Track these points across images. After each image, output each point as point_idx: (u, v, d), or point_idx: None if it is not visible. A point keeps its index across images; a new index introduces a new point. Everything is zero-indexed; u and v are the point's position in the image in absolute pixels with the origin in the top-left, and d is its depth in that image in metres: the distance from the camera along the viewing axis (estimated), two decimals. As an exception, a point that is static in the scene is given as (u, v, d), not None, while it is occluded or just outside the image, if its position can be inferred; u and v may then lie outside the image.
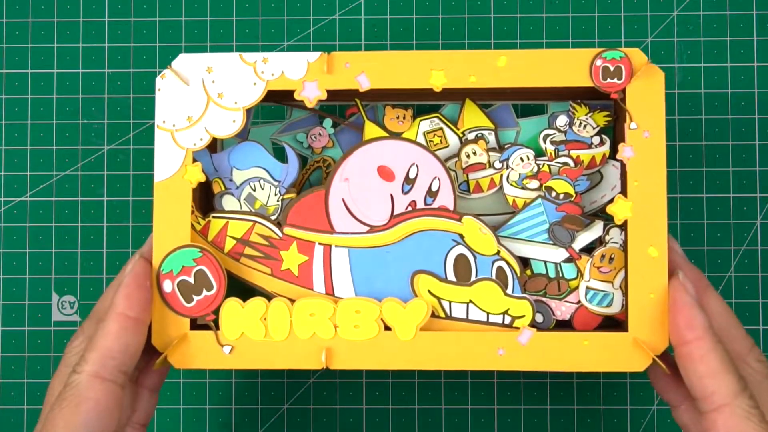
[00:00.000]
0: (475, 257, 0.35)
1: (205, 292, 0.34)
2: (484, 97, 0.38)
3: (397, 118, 0.37)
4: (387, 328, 0.35)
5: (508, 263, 0.35)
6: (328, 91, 0.35)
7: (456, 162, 0.37)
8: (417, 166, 0.35)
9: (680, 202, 0.43)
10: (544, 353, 0.34)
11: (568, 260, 0.36)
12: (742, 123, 0.44)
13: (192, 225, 0.35)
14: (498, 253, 0.35)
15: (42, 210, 0.44)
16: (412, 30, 0.44)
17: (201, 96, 0.35)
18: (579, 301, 0.36)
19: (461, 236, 0.35)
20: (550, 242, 0.36)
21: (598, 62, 0.34)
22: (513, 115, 0.39)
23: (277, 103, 0.39)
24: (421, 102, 0.39)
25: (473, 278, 0.35)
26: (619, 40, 0.44)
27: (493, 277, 0.35)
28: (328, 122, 0.39)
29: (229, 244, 0.36)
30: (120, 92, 0.45)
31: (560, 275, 0.36)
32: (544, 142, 0.37)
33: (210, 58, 0.35)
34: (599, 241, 0.36)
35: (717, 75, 0.44)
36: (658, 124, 0.34)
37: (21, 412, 0.43)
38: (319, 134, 0.39)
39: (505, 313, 0.35)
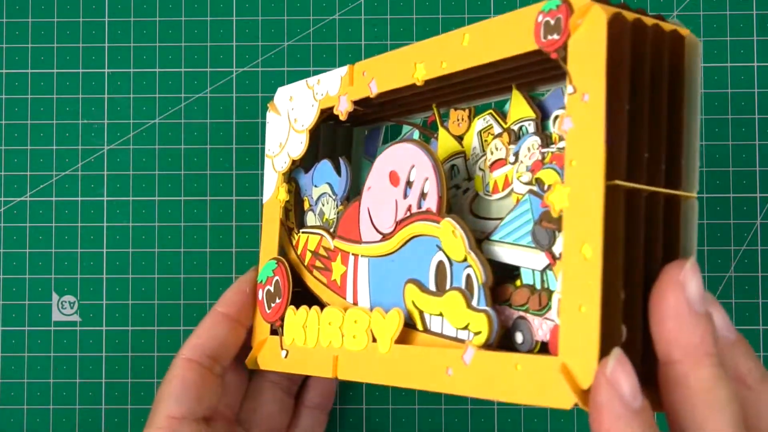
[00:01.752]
0: (451, 264, 0.31)
1: (277, 300, 0.37)
2: (490, 88, 0.34)
3: (457, 120, 0.35)
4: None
5: (474, 271, 0.30)
6: (360, 101, 0.36)
7: (484, 160, 0.34)
8: (415, 167, 0.33)
9: (680, 202, 0.43)
10: (482, 376, 0.28)
11: (550, 267, 0.29)
12: (742, 123, 0.44)
13: (290, 240, 0.39)
14: (465, 259, 0.30)
15: (42, 210, 0.44)
16: (412, 30, 0.44)
17: (285, 123, 0.39)
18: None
19: (441, 241, 0.31)
20: (534, 246, 0.30)
21: (540, 17, 0.28)
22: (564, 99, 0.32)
23: (389, 121, 0.40)
24: (484, 100, 0.36)
25: (448, 287, 0.31)
26: (619, 40, 0.44)
27: (463, 286, 0.30)
28: (416, 134, 0.38)
29: (308, 257, 0.38)
30: (120, 92, 0.45)
31: (544, 285, 0.30)
32: (554, 125, 0.31)
33: (291, 88, 0.39)
34: None
35: (717, 75, 0.44)
36: (597, 84, 0.25)
37: (21, 412, 0.43)
38: None
39: (466, 327, 0.30)
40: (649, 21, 0.27)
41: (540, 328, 0.29)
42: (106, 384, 0.43)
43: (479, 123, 0.34)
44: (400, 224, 0.33)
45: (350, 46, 0.44)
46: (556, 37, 0.27)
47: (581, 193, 0.26)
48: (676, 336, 0.24)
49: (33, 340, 0.44)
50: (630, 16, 0.26)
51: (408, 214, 0.33)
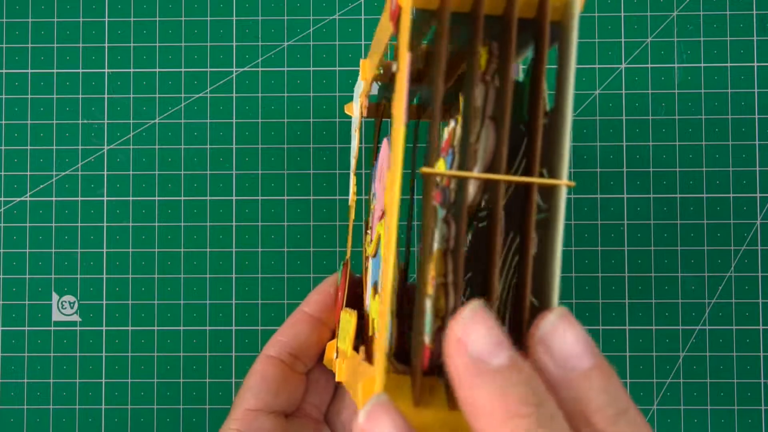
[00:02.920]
0: None
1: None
2: None
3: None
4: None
5: None
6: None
7: None
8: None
9: (680, 202, 0.43)
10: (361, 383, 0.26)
11: None
12: (742, 123, 0.44)
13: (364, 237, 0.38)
14: None
15: (42, 210, 0.44)
16: (412, 30, 0.44)
17: (355, 122, 0.38)
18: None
19: None
20: None
21: None
22: None
23: None
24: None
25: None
26: (619, 40, 0.44)
27: None
28: None
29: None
30: (120, 92, 0.45)
31: None
32: None
33: (356, 88, 0.37)
34: None
35: (717, 75, 0.44)
36: (402, 57, 0.22)
37: (21, 412, 0.43)
38: None
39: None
40: None
41: None
42: (106, 384, 0.43)
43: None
44: (379, 222, 0.32)
45: (350, 46, 0.44)
46: (393, 7, 0.24)
47: (389, 185, 0.22)
48: (471, 405, 0.19)
49: (33, 340, 0.44)
50: None
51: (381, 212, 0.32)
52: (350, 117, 0.42)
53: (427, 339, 0.22)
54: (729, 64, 0.44)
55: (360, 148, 0.39)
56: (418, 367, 0.22)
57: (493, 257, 0.22)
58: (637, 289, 0.43)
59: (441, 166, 0.25)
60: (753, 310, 0.43)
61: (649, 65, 0.44)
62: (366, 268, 0.35)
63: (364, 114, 0.36)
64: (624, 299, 0.43)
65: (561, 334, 0.20)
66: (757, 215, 0.43)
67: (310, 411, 0.39)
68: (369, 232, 0.35)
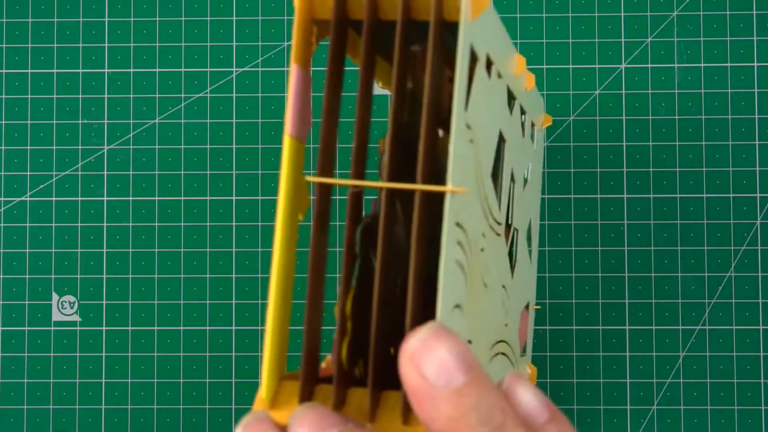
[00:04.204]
0: None
1: None
2: None
3: None
4: None
5: None
6: None
7: None
8: None
9: (680, 202, 0.43)
10: None
11: None
12: (742, 123, 0.44)
13: None
14: None
15: (42, 210, 0.44)
16: (412, 30, 0.44)
17: None
18: None
19: None
20: None
21: None
22: None
23: None
24: None
25: None
26: (619, 40, 0.44)
27: None
28: None
29: None
30: (120, 92, 0.45)
31: None
32: None
33: None
34: None
35: (717, 75, 0.44)
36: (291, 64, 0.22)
37: (21, 412, 0.43)
38: None
39: None
40: None
41: None
42: (106, 384, 0.43)
43: None
44: None
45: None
46: None
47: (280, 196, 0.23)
48: (429, 425, 0.19)
49: (33, 340, 0.44)
50: None
51: None
52: (350, 117, 0.42)
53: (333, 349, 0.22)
54: (729, 64, 0.44)
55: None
56: (306, 376, 0.22)
57: (378, 264, 0.22)
58: (637, 289, 0.43)
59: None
60: (753, 310, 0.43)
61: (649, 65, 0.44)
62: None
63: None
64: (624, 299, 0.43)
65: (431, 350, 0.19)
66: (757, 215, 0.43)
67: None
68: None
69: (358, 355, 0.23)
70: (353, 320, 0.23)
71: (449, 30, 0.22)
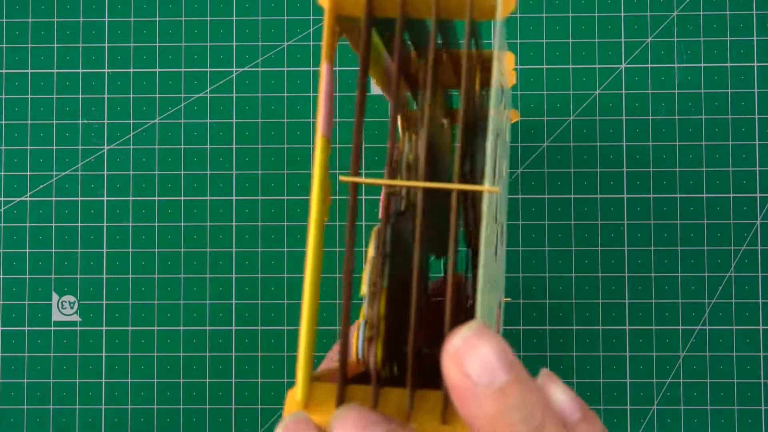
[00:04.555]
0: None
1: None
2: None
3: None
4: None
5: None
6: None
7: None
8: None
9: (680, 202, 0.43)
10: None
11: None
12: (742, 123, 0.44)
13: None
14: None
15: (42, 210, 0.44)
16: (412, 30, 0.44)
17: None
18: None
19: None
20: None
21: None
22: None
23: None
24: None
25: None
26: (619, 40, 0.44)
27: None
28: None
29: None
30: (120, 92, 0.45)
31: None
32: None
33: None
34: None
35: (717, 75, 0.44)
36: (322, 68, 0.22)
37: (21, 412, 0.43)
38: None
39: None
40: None
41: None
42: (106, 384, 0.43)
43: None
44: None
45: (350, 46, 0.44)
46: None
47: (313, 197, 0.22)
48: (472, 423, 0.20)
49: (33, 340, 0.44)
50: None
51: None
52: (351, 118, 0.42)
53: (360, 348, 0.22)
54: (729, 64, 0.44)
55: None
56: (343, 376, 0.21)
57: (415, 264, 0.22)
58: (637, 289, 0.43)
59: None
60: (753, 310, 0.43)
61: (649, 65, 0.44)
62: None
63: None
64: (624, 299, 0.43)
65: (475, 349, 0.19)
66: (757, 215, 0.43)
67: None
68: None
69: (391, 356, 0.23)
70: (385, 321, 0.23)
71: (445, 27, 0.22)
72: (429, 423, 0.21)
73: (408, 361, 0.21)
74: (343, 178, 0.21)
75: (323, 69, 0.22)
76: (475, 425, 0.19)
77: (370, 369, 0.22)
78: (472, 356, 0.19)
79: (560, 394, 0.21)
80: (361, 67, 0.22)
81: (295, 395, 0.21)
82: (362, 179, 0.22)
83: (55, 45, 0.45)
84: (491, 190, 0.21)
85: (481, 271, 0.21)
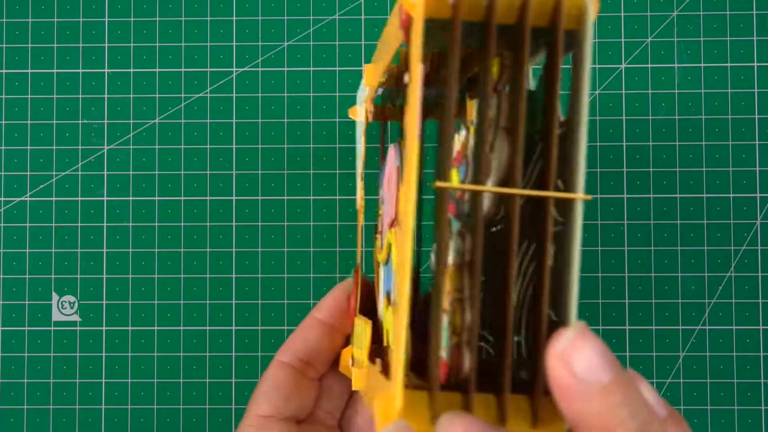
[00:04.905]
0: None
1: (353, 305, 0.36)
2: None
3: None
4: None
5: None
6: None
7: None
8: (398, 169, 0.30)
9: (680, 202, 0.43)
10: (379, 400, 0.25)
11: None
12: (742, 123, 0.44)
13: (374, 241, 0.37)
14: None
15: (42, 210, 0.44)
16: (412, 30, 0.44)
17: (361, 125, 0.37)
18: None
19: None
20: None
21: None
22: None
23: None
24: None
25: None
26: (619, 40, 0.44)
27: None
28: None
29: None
30: (120, 92, 0.45)
31: None
32: None
33: (360, 91, 0.36)
34: None
35: (717, 75, 0.44)
36: (413, 64, 0.22)
37: (21, 412, 0.43)
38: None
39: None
40: None
41: None
42: (106, 384, 0.43)
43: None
44: (388, 231, 0.31)
45: (350, 46, 0.44)
46: (404, 18, 0.23)
47: (403, 199, 0.22)
48: (577, 422, 0.21)
49: (33, 340, 0.44)
50: None
51: (390, 219, 0.31)
52: (351, 118, 0.42)
53: (444, 354, 0.22)
54: (729, 64, 0.44)
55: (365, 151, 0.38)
56: (436, 384, 0.21)
57: (509, 271, 0.22)
58: (637, 289, 0.43)
59: (454, 177, 0.25)
60: (753, 310, 0.43)
61: (649, 65, 0.44)
62: (377, 274, 0.35)
63: (370, 119, 0.35)
64: (624, 299, 0.43)
65: (580, 349, 0.20)
66: (757, 215, 0.43)
67: (323, 417, 0.38)
68: (379, 236, 0.35)
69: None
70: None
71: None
72: (520, 425, 0.22)
73: (505, 366, 0.22)
74: (439, 183, 0.21)
75: (418, 72, 0.21)
76: (582, 424, 0.20)
77: (452, 375, 0.22)
78: (578, 356, 0.20)
79: (647, 393, 0.22)
80: (453, 68, 0.21)
81: (391, 404, 0.21)
82: (460, 185, 0.22)
83: (55, 45, 0.45)
84: (585, 197, 0.22)
85: (575, 278, 0.21)
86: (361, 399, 0.38)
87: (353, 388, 0.32)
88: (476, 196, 0.22)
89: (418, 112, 0.21)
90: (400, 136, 0.34)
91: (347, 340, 0.38)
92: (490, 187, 0.22)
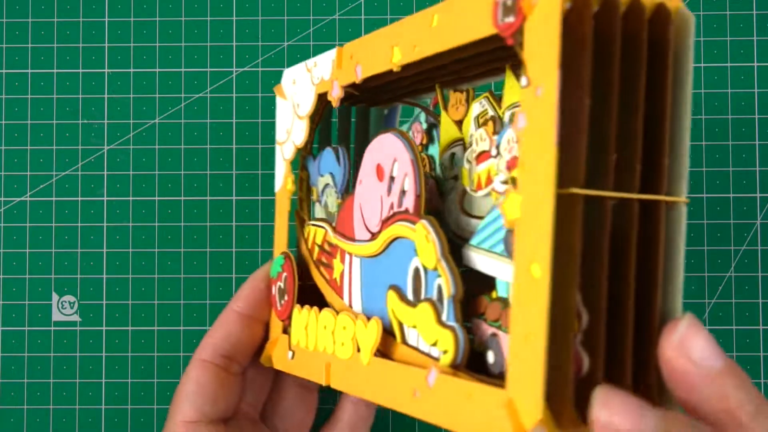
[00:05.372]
0: (426, 271, 0.28)
1: (286, 297, 0.35)
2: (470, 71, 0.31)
3: (456, 103, 0.32)
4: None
5: (444, 281, 0.27)
6: (352, 85, 0.32)
7: (471, 151, 0.31)
8: (397, 161, 0.30)
9: (680, 202, 0.43)
10: (440, 403, 0.26)
11: None
12: (742, 123, 0.44)
13: (302, 232, 0.37)
14: (436, 267, 0.27)
15: (42, 210, 0.44)
16: (412, 30, 0.44)
17: (290, 109, 0.37)
18: None
19: (416, 245, 0.28)
20: (507, 255, 0.26)
21: None
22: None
23: (401, 101, 0.37)
24: (486, 80, 0.33)
25: (422, 297, 0.28)
26: (619, 40, 0.44)
27: (435, 297, 0.27)
28: (424, 116, 0.35)
29: (315, 251, 0.36)
30: (120, 92, 0.45)
31: None
32: (510, 122, 0.28)
33: (294, 71, 0.36)
34: None
35: (717, 75, 0.44)
36: (550, 76, 0.22)
37: (21, 412, 0.43)
38: (417, 131, 0.35)
39: (434, 344, 0.27)
40: None
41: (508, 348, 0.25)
42: (106, 384, 0.43)
43: (476, 107, 0.30)
44: (385, 223, 0.30)
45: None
46: (511, 19, 0.23)
47: (532, 203, 0.22)
48: (692, 406, 0.23)
49: (33, 340, 0.44)
50: None
51: (391, 212, 0.30)
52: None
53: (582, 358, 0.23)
54: (729, 64, 0.44)
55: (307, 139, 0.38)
56: (569, 396, 0.22)
57: (628, 281, 0.23)
58: (637, 289, 0.43)
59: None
60: (753, 310, 0.43)
61: (649, 65, 0.44)
62: (330, 264, 0.34)
63: (335, 104, 0.34)
64: (624, 299, 0.43)
65: (694, 339, 0.22)
66: (757, 215, 0.43)
67: (246, 410, 0.38)
68: (336, 232, 0.34)
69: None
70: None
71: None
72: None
73: (625, 364, 0.23)
74: (574, 190, 0.22)
75: (558, 74, 0.21)
76: (702, 408, 0.22)
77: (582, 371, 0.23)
78: (694, 345, 0.22)
79: (702, 342, 0.24)
80: (616, 75, 0.23)
81: (529, 413, 0.22)
82: (603, 192, 0.23)
83: (55, 45, 0.45)
84: (686, 201, 0.24)
85: (681, 274, 0.24)
86: (289, 387, 0.38)
87: (324, 383, 0.32)
88: (603, 202, 0.23)
89: (559, 116, 0.22)
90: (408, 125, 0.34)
91: (266, 331, 0.37)
92: (621, 193, 0.23)
